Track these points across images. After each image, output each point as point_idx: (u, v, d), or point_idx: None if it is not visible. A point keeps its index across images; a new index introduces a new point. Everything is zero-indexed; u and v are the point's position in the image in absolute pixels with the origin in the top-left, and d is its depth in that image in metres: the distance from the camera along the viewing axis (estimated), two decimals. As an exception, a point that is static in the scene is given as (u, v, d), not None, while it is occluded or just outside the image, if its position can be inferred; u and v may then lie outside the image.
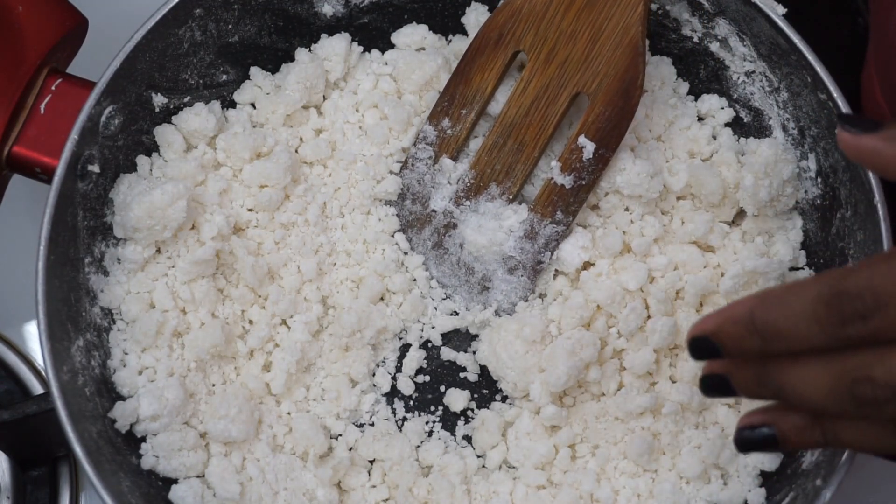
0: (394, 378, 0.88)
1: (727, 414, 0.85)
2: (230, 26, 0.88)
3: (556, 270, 0.88)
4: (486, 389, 0.88)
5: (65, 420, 0.77)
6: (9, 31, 0.84)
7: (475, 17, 0.91)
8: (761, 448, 0.67)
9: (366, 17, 0.92)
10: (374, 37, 0.92)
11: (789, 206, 0.87)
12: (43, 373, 0.86)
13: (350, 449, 0.86)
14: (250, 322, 0.87)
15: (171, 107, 0.88)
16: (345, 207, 0.89)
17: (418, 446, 0.87)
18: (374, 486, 0.85)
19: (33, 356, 0.98)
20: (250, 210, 0.88)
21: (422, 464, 0.86)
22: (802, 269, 0.87)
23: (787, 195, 0.86)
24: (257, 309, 0.87)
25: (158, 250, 0.85)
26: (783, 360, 0.62)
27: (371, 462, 0.86)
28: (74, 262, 0.83)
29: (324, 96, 0.91)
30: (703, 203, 0.87)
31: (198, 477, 0.83)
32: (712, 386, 0.66)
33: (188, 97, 0.89)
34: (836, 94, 0.82)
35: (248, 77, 0.91)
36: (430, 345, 0.89)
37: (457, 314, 0.89)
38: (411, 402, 0.88)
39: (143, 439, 0.83)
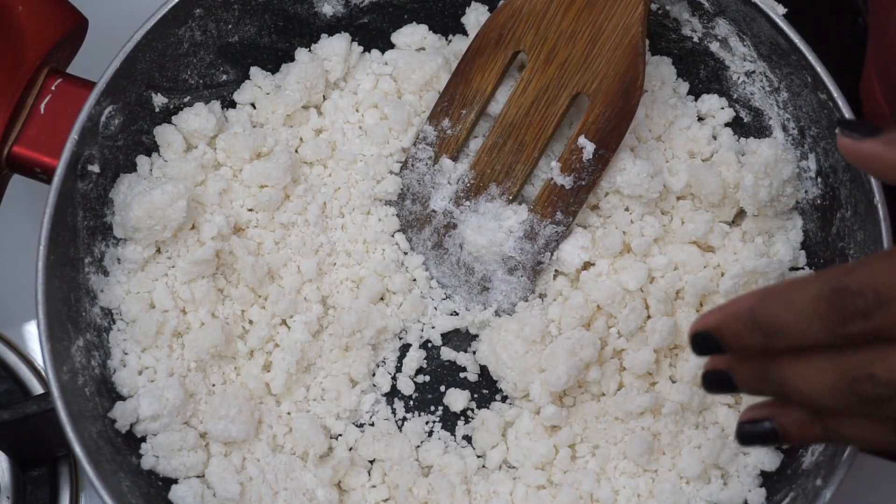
0: (394, 378, 0.88)
1: (727, 414, 0.85)
2: (230, 26, 0.88)
3: (556, 270, 0.88)
4: (486, 389, 0.88)
5: (65, 420, 0.77)
6: (9, 31, 0.84)
7: (475, 17, 0.91)
8: (762, 442, 0.67)
9: (366, 17, 0.92)
10: (374, 37, 0.92)
11: (789, 206, 0.87)
12: (43, 373, 0.86)
13: (350, 449, 0.86)
14: (250, 322, 0.87)
15: (171, 107, 0.88)
16: (345, 207, 0.89)
17: (418, 446, 0.87)
18: (374, 486, 0.85)
19: (33, 356, 0.98)
20: (250, 210, 0.88)
21: (422, 464, 0.86)
22: (802, 269, 0.87)
23: (787, 195, 0.86)
24: (257, 309, 0.87)
25: (158, 250, 0.85)
26: (785, 356, 0.62)
27: (371, 462, 0.86)
28: (74, 262, 0.83)
29: (324, 96, 0.91)
30: (703, 203, 0.87)
31: (198, 477, 0.83)
32: (714, 382, 0.66)
33: (188, 97, 0.89)
34: (836, 94, 0.82)
35: (248, 77, 0.91)
36: (430, 345, 0.89)
37: (457, 314, 0.89)
38: (411, 402, 0.88)
39: (143, 439, 0.83)
